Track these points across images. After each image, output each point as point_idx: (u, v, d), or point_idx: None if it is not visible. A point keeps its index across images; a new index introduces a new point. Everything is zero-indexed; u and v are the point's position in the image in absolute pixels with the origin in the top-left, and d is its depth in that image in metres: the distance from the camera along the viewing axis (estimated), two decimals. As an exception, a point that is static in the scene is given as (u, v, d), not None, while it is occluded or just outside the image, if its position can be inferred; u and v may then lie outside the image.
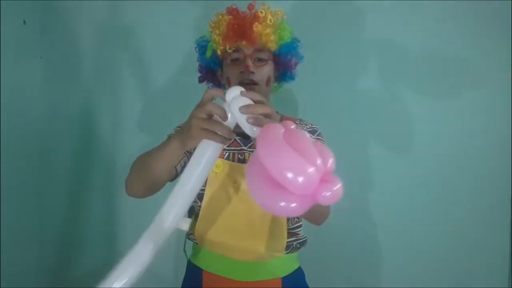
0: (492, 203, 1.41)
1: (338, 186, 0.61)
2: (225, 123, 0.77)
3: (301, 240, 1.10)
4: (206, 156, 0.78)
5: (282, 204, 0.61)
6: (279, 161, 0.60)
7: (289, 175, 0.59)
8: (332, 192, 0.60)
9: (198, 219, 1.04)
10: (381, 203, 1.48)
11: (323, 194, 0.60)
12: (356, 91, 1.48)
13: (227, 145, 1.08)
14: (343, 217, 1.47)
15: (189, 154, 1.07)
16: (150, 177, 0.94)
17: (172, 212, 0.81)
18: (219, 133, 0.76)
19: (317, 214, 1.01)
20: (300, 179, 0.58)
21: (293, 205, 0.61)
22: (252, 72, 1.03)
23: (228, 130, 0.77)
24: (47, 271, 1.72)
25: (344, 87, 1.48)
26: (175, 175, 1.05)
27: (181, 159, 1.05)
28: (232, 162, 1.06)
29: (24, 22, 1.64)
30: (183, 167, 1.06)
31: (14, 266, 1.59)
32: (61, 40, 1.71)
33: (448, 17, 1.41)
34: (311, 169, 0.59)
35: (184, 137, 0.81)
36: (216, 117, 0.77)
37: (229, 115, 0.77)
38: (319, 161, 0.61)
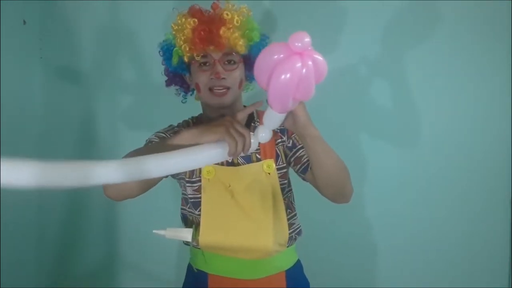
0: (492, 203, 1.41)
1: (307, 38, 0.69)
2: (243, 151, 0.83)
3: (297, 230, 1.11)
4: (203, 152, 0.81)
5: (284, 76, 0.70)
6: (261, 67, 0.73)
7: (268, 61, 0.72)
8: (303, 42, 0.69)
9: (200, 227, 1.03)
10: (379, 203, 1.48)
11: (295, 44, 0.69)
12: (353, 89, 1.48)
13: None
14: (341, 216, 1.47)
15: None
16: None
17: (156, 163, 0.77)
18: (239, 143, 0.81)
19: (335, 176, 0.97)
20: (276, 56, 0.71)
21: (298, 64, 0.69)
22: (223, 78, 1.00)
23: (247, 147, 0.82)
24: (47, 271, 1.72)
25: (340, 83, 1.48)
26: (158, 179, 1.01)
27: None
28: (222, 166, 1.04)
29: (24, 22, 1.64)
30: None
31: (14, 266, 1.59)
32: (61, 40, 1.70)
33: (448, 16, 1.41)
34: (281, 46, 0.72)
35: (205, 130, 0.84)
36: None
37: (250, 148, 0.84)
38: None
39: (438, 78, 1.43)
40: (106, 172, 0.72)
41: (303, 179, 1.07)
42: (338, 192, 1.01)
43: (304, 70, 0.70)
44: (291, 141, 1.05)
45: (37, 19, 1.69)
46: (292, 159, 1.06)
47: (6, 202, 1.54)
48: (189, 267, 1.15)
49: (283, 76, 0.70)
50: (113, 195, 0.93)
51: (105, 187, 0.92)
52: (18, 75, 1.62)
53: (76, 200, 1.71)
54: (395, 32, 1.44)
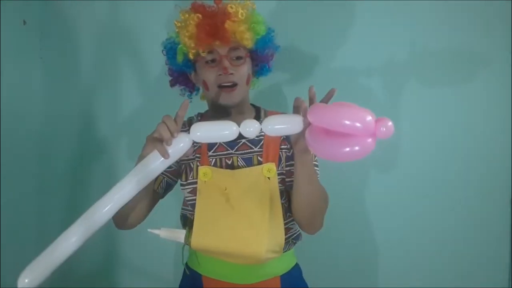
0: (492, 203, 1.41)
1: (391, 122, 0.72)
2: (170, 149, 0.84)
3: (295, 235, 1.08)
4: (150, 164, 0.85)
5: (347, 149, 0.73)
6: (339, 115, 0.74)
7: (351, 122, 0.72)
8: (387, 127, 0.72)
9: (193, 230, 1.00)
10: (379, 203, 1.48)
11: (381, 129, 0.71)
12: (351, 87, 1.48)
13: (212, 150, 1.03)
14: (341, 218, 1.47)
15: (166, 175, 1.06)
16: (130, 206, 0.95)
17: (106, 205, 0.91)
18: (162, 144, 0.83)
19: (315, 209, 1.00)
20: (359, 124, 0.72)
21: (356, 148, 0.73)
22: (231, 74, 0.98)
23: (169, 134, 0.83)
24: (47, 271, 1.72)
25: (336, 83, 1.46)
26: (161, 196, 1.07)
27: (161, 181, 1.05)
28: (220, 169, 1.01)
29: (24, 22, 1.64)
30: (165, 189, 1.07)
31: (14, 266, 1.59)
32: (61, 40, 1.70)
33: (448, 16, 1.40)
34: (368, 117, 0.72)
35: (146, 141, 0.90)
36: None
37: (173, 140, 0.84)
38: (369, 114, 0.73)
39: (437, 78, 1.43)
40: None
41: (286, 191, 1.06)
42: (308, 221, 1.02)
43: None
44: (292, 152, 1.00)
45: (37, 19, 1.69)
46: (286, 169, 1.02)
47: (6, 202, 1.54)
48: (185, 267, 1.15)
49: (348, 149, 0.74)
50: (122, 227, 1.07)
51: (115, 220, 1.02)
52: (18, 75, 1.62)
53: (76, 200, 1.71)
54: (392, 32, 1.44)
